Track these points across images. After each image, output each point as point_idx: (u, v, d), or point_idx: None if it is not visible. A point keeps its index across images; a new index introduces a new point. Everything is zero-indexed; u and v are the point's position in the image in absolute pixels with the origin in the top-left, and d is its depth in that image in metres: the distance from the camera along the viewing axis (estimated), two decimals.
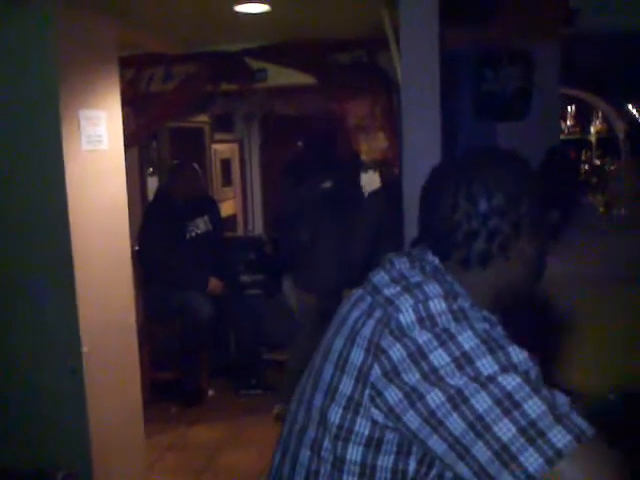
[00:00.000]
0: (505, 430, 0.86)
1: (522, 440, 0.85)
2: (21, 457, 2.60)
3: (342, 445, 1.00)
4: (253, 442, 4.04)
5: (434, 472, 0.99)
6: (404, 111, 2.46)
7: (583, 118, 6.80)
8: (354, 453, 0.99)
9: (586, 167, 6.86)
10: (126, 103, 3.21)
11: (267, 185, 6.86)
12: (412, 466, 0.98)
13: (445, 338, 0.93)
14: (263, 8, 3.10)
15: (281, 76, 4.02)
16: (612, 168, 6.72)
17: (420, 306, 0.97)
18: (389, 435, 0.97)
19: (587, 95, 6.34)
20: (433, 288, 1.00)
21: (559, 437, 0.85)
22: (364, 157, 4.17)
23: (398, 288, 1.02)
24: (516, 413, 0.87)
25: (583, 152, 6.89)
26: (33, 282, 2.57)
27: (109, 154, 2.84)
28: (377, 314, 1.00)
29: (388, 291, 1.02)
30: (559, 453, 0.84)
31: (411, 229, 2.38)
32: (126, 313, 2.94)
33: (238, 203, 6.73)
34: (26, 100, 2.53)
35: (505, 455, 0.86)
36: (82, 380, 2.56)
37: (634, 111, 6.40)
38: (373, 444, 0.98)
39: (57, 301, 2.56)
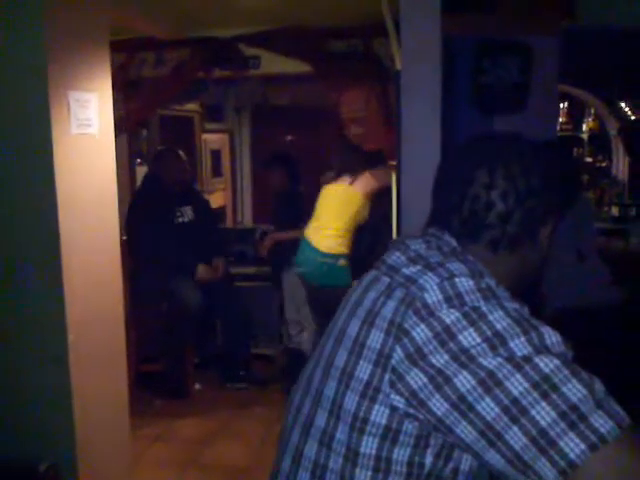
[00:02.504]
0: (543, 414, 0.81)
1: (562, 425, 0.80)
2: (3, 448, 2.52)
3: (356, 436, 0.94)
4: (239, 435, 3.99)
5: (450, 466, 0.94)
6: (403, 99, 2.41)
7: (576, 115, 6.77)
8: (369, 445, 0.93)
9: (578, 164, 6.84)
10: (116, 88, 3.13)
11: (257, 177, 6.79)
12: (429, 460, 0.92)
13: (475, 317, 0.87)
14: None
15: (275, 64, 3.95)
16: (603, 165, 6.72)
17: (446, 284, 0.91)
18: (407, 425, 0.91)
19: (580, 92, 6.32)
20: (457, 265, 0.95)
21: (601, 422, 0.79)
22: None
23: (419, 267, 0.96)
24: (555, 396, 0.81)
25: (575, 149, 6.87)
26: (19, 268, 2.49)
27: (99, 138, 2.75)
28: (398, 294, 0.94)
29: (408, 270, 0.97)
30: (603, 439, 0.79)
31: (408, 217, 2.33)
32: (114, 301, 2.86)
33: (228, 194, 6.65)
34: (13, 81, 2.44)
35: (543, 441, 0.80)
36: (67, 369, 2.49)
37: (627, 109, 6.38)
38: (390, 435, 0.92)
39: (43, 288, 2.47)
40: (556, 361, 0.83)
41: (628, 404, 0.91)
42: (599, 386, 0.83)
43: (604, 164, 6.82)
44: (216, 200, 6.40)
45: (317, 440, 0.99)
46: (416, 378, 0.88)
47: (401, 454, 0.92)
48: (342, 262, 4.04)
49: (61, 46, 2.50)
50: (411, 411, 0.90)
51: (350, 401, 0.94)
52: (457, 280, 0.91)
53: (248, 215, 6.76)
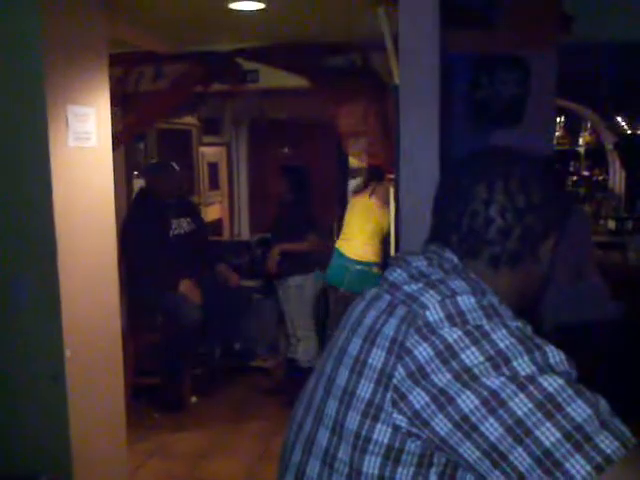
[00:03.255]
0: (548, 435, 0.80)
1: (568, 446, 0.79)
2: (0, 462, 2.50)
3: (359, 456, 0.92)
4: (237, 451, 3.97)
5: None
6: (402, 114, 2.40)
7: (572, 129, 6.79)
8: (371, 465, 0.92)
9: (574, 178, 6.86)
10: (114, 102, 3.13)
11: (254, 189, 6.80)
12: (434, 478, 0.91)
13: (477, 336, 0.86)
14: (258, 6, 3.04)
15: (273, 78, 3.97)
16: (600, 179, 6.74)
17: (448, 302, 0.90)
18: (410, 444, 0.90)
19: (576, 106, 6.35)
20: (459, 284, 0.94)
21: (607, 443, 0.79)
22: (355, 162, 4.16)
23: (420, 284, 0.95)
24: (559, 416, 0.80)
25: (572, 163, 6.89)
26: (15, 282, 2.48)
27: (97, 152, 2.75)
28: (400, 312, 0.93)
29: (409, 288, 0.96)
30: (608, 459, 0.78)
31: (407, 232, 2.32)
32: (111, 316, 2.85)
33: (225, 207, 6.66)
34: (11, 94, 2.44)
35: (548, 462, 0.79)
36: (64, 385, 2.47)
37: (623, 123, 6.41)
38: (392, 455, 0.91)
39: (40, 303, 2.46)
40: (560, 380, 0.82)
41: (630, 417, 0.90)
42: (604, 405, 0.83)
43: (601, 177, 6.84)
44: (213, 213, 6.40)
45: (320, 459, 0.98)
46: (418, 397, 0.87)
47: (404, 474, 0.91)
48: (375, 270, 4.21)
49: (59, 60, 2.50)
50: (414, 430, 0.89)
51: (352, 420, 0.93)
52: (459, 298, 0.91)
53: (245, 227, 6.76)
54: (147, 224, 4.37)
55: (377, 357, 0.92)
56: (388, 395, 0.90)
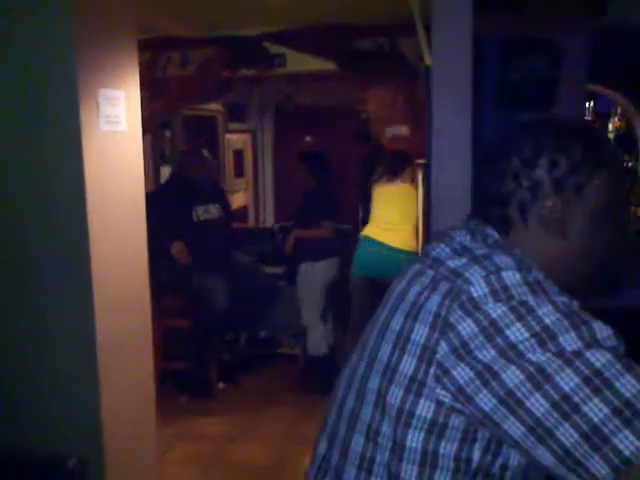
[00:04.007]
0: (596, 410, 0.78)
1: (616, 421, 0.77)
2: (33, 443, 2.53)
3: (402, 430, 0.92)
4: (263, 436, 4.00)
5: (499, 461, 0.91)
6: (435, 95, 2.38)
7: (602, 114, 6.69)
8: (415, 439, 0.91)
9: None
10: (142, 87, 3.13)
11: (279, 177, 6.80)
12: (477, 455, 0.90)
13: (523, 312, 0.84)
14: None
15: (300, 62, 3.94)
16: (630, 165, 6.63)
17: (493, 277, 0.88)
18: (454, 419, 0.89)
19: (606, 91, 6.24)
20: (504, 258, 0.92)
21: None
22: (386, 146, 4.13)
23: (464, 260, 0.93)
24: (608, 392, 0.78)
25: None
26: (48, 267, 2.49)
27: (127, 136, 2.76)
28: (443, 287, 0.92)
29: (453, 263, 0.94)
30: None
31: (439, 213, 2.30)
32: (141, 299, 2.86)
33: (249, 194, 6.66)
34: (44, 78, 2.45)
35: (596, 438, 0.78)
36: (95, 367, 2.49)
37: None
38: (436, 430, 0.90)
39: (73, 287, 2.47)
40: (608, 355, 0.81)
41: None
42: None
43: (631, 164, 6.73)
44: (238, 200, 6.41)
45: (363, 434, 0.97)
46: (462, 373, 0.86)
47: (448, 448, 0.90)
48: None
49: (91, 44, 2.50)
50: (457, 406, 0.88)
51: (395, 395, 0.92)
52: (504, 273, 0.89)
53: (270, 215, 6.76)
54: (169, 208, 4.36)
55: (420, 332, 0.91)
56: (431, 371, 0.89)
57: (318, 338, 4.60)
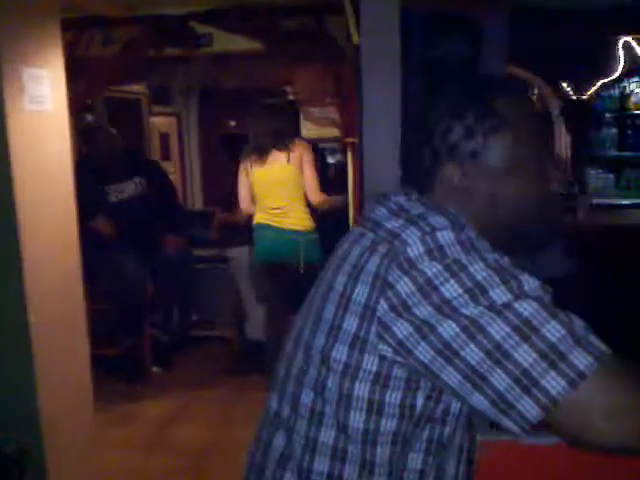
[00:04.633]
0: (525, 356, 0.85)
1: (544, 364, 0.84)
2: None
3: (349, 383, 0.97)
4: (199, 418, 4.01)
5: (441, 407, 0.98)
6: (364, 72, 2.43)
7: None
8: (361, 390, 0.96)
9: None
10: (65, 68, 3.05)
11: (206, 160, 6.75)
12: (420, 401, 0.96)
13: (456, 269, 0.90)
14: None
15: (227, 42, 3.91)
16: None
17: (428, 238, 0.93)
18: (397, 371, 0.94)
19: (523, 72, 6.46)
20: (438, 219, 0.96)
21: (580, 359, 0.84)
22: (314, 128, 4.13)
23: (401, 221, 0.98)
24: (535, 338, 0.85)
25: None
26: None
27: (53, 115, 2.70)
28: (382, 249, 0.96)
29: (390, 224, 0.98)
30: (581, 374, 0.83)
31: (370, 187, 2.37)
32: (73, 281, 2.82)
33: (177, 178, 6.59)
34: None
35: (526, 380, 0.84)
36: (29, 348, 2.44)
37: (568, 89, 6.56)
38: (381, 381, 0.95)
39: (2, 265, 2.42)
40: (534, 304, 0.87)
41: None
42: (579, 324, 0.87)
43: None
44: None
45: (312, 388, 1.02)
46: (402, 328, 0.91)
47: (393, 397, 0.96)
48: (314, 236, 3.98)
49: (13, 22, 2.44)
50: (399, 359, 0.93)
51: (340, 352, 0.97)
52: (438, 233, 0.93)
53: (198, 198, 6.72)
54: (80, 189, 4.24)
55: (361, 293, 0.95)
56: (373, 328, 0.93)
57: (257, 322, 4.54)
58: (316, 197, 3.95)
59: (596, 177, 6.37)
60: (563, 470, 1.40)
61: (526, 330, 0.85)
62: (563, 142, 6.67)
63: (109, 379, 4.35)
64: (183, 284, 4.82)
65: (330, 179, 4.95)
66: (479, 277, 0.89)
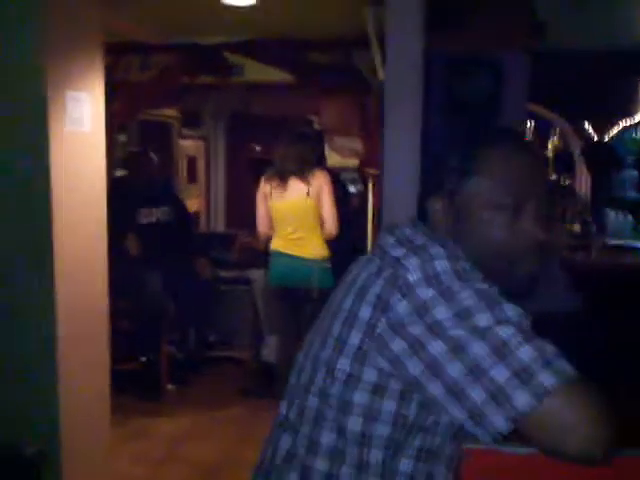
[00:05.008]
0: (501, 374, 0.95)
1: (515, 382, 0.95)
2: None
3: (350, 391, 1.08)
4: (212, 436, 4.07)
5: (432, 418, 1.08)
6: (387, 108, 2.54)
7: (541, 134, 7.02)
8: (361, 398, 1.07)
9: None
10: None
11: (231, 184, 6.91)
12: (412, 411, 1.07)
13: (448, 295, 1.01)
14: (250, 2, 3.15)
15: (258, 71, 4.07)
16: (568, 183, 6.98)
17: (426, 265, 1.05)
18: (393, 383, 1.05)
19: (546, 112, 6.57)
20: (437, 249, 1.08)
21: (546, 378, 0.95)
22: (339, 158, 4.23)
23: (404, 250, 1.10)
24: (510, 359, 0.96)
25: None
26: (16, 263, 2.56)
27: (91, 136, 2.84)
28: (386, 274, 1.08)
29: (395, 252, 1.10)
30: (546, 391, 0.94)
31: (390, 219, 2.45)
32: (100, 300, 2.94)
33: (202, 201, 6.75)
34: (13, 80, 2.52)
35: (500, 396, 0.95)
36: (55, 361, 2.56)
37: (590, 129, 6.65)
38: (379, 391, 1.06)
39: (37, 281, 2.55)
40: (512, 329, 0.98)
41: None
42: (550, 349, 0.99)
43: (567, 182, 7.08)
44: (191, 206, 6.49)
45: (317, 396, 1.13)
46: (398, 345, 1.03)
47: (389, 405, 1.07)
48: (327, 265, 4.02)
49: (60, 48, 2.59)
50: (394, 372, 1.05)
51: (344, 363, 1.09)
52: (436, 262, 1.05)
53: (221, 221, 6.86)
54: (119, 212, 4.41)
55: (366, 311, 1.07)
56: (374, 343, 1.05)
57: (273, 345, 4.61)
58: (332, 230, 4.03)
59: (615, 218, 6.40)
60: (543, 478, 1.50)
61: (503, 351, 0.97)
62: (584, 182, 6.75)
63: (125, 394, 4.44)
64: (203, 305, 4.93)
65: (351, 208, 5.06)
66: (467, 303, 1.01)
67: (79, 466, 2.78)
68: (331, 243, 4.10)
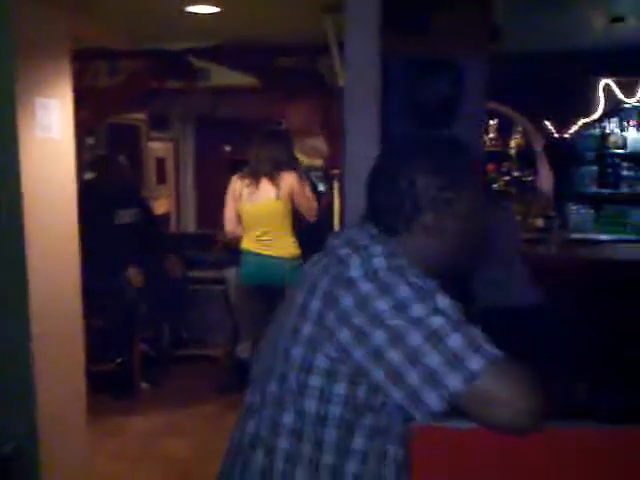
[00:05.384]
0: (433, 359, 1.09)
1: (447, 366, 1.08)
2: None
3: (304, 376, 1.20)
4: (187, 432, 4.16)
5: (380, 398, 1.20)
6: (346, 114, 2.64)
7: (504, 132, 7.19)
8: (315, 381, 1.20)
9: (506, 178, 7.26)
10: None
11: (200, 184, 6.98)
12: (361, 393, 1.19)
13: (386, 289, 1.15)
14: (213, 9, 3.24)
15: (224, 76, 4.16)
16: (530, 179, 7.16)
17: (366, 263, 1.19)
18: (342, 368, 1.18)
19: (509, 111, 6.73)
20: (377, 248, 1.22)
21: (474, 362, 1.08)
22: (306, 158, 4.34)
23: (348, 250, 1.23)
24: (442, 346, 1.09)
25: (504, 164, 7.29)
26: None
27: (60, 142, 2.92)
28: (332, 271, 1.22)
29: (340, 252, 1.24)
30: (474, 373, 1.08)
31: (352, 222, 2.56)
32: (73, 296, 3.02)
33: (171, 201, 6.81)
34: None
35: (432, 380, 1.09)
36: (30, 359, 2.63)
37: (551, 127, 6.83)
38: (331, 375, 1.19)
39: (10, 281, 2.61)
40: (442, 319, 1.12)
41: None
42: (478, 334, 1.12)
43: (530, 178, 7.25)
44: (160, 207, 6.54)
45: (277, 381, 1.26)
46: (344, 334, 1.16)
47: (340, 388, 1.19)
48: (299, 263, 4.06)
49: (28, 55, 2.66)
50: (342, 358, 1.17)
51: (298, 352, 1.22)
52: (374, 260, 1.19)
53: (192, 220, 6.94)
54: (89, 214, 4.46)
55: (316, 304, 1.21)
56: (323, 333, 1.18)
57: (249, 343, 4.66)
58: (312, 219, 4.19)
59: (576, 212, 6.60)
60: (488, 450, 1.68)
61: (434, 339, 1.10)
62: (546, 178, 6.92)
63: (100, 393, 4.50)
64: (175, 303, 5.01)
65: (321, 206, 5.15)
66: (403, 296, 1.14)
67: (56, 464, 2.85)
68: (301, 241, 4.22)
